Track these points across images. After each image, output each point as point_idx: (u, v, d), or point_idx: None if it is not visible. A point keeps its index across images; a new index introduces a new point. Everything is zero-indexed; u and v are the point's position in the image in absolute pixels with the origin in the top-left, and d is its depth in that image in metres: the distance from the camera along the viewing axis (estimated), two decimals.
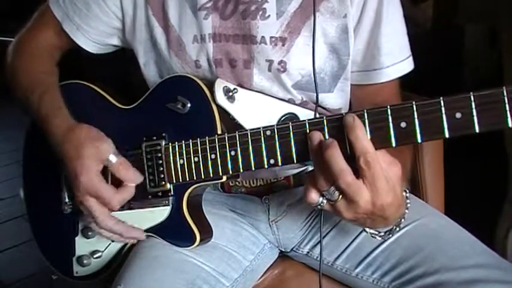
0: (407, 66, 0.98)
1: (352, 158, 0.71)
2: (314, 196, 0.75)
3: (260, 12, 0.92)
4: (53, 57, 1.11)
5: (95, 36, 1.05)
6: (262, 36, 0.92)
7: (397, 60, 0.97)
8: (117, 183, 0.93)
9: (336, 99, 0.98)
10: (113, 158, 0.91)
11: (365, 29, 0.95)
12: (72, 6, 1.04)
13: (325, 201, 0.74)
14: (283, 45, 0.92)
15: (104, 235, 0.95)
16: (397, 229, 0.81)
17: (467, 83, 2.74)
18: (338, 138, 0.72)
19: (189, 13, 0.95)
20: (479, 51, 2.79)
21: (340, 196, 0.72)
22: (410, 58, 0.99)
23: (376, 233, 0.82)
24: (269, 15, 0.92)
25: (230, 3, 0.94)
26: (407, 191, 0.79)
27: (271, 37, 0.92)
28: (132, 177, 0.92)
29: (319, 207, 0.75)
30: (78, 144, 0.91)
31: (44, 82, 1.03)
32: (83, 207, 0.93)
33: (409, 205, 0.80)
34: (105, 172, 0.93)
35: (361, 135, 0.71)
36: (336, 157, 0.70)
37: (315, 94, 0.94)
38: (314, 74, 0.90)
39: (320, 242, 0.93)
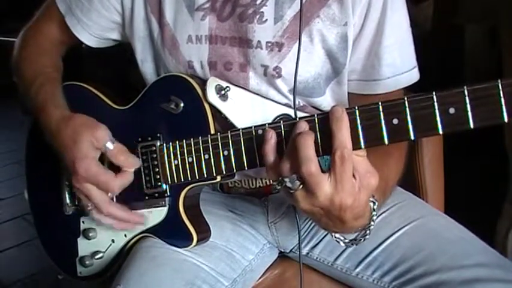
0: (409, 78, 0.94)
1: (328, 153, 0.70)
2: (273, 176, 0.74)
3: (257, 16, 0.91)
4: (58, 50, 1.11)
5: (95, 31, 1.05)
6: (258, 41, 0.91)
7: (398, 72, 0.93)
8: (115, 170, 0.92)
9: (326, 100, 0.96)
10: (110, 145, 0.90)
11: (366, 38, 0.91)
12: (75, 0, 1.03)
13: (278, 187, 0.73)
14: (279, 50, 0.91)
15: (104, 222, 0.94)
16: (362, 240, 0.79)
17: (467, 83, 2.73)
18: (327, 135, 0.71)
19: (185, 12, 0.94)
20: (479, 51, 2.79)
21: (301, 186, 0.71)
22: (415, 70, 0.95)
23: (342, 238, 0.80)
24: (266, 20, 0.90)
25: (228, 5, 0.92)
26: (376, 203, 0.77)
27: (267, 42, 0.91)
28: (131, 163, 0.92)
29: (276, 189, 0.73)
30: (74, 132, 0.91)
31: (46, 74, 1.03)
32: (82, 194, 0.92)
33: (374, 217, 0.77)
34: (102, 160, 0.92)
35: (345, 129, 0.69)
36: (307, 145, 0.69)
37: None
38: (295, 82, 0.86)
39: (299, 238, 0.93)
